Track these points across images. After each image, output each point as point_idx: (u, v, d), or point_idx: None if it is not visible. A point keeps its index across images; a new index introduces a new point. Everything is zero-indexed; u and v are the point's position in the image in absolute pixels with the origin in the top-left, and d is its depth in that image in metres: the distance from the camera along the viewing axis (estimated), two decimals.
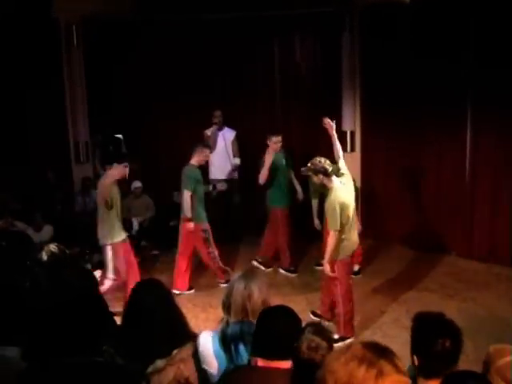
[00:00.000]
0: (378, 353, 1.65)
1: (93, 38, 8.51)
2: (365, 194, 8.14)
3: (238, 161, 8.48)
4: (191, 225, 6.65)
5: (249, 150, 8.36)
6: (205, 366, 2.99)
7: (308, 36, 8.82)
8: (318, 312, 6.01)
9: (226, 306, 3.10)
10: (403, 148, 8.08)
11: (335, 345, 4.16)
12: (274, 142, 6.97)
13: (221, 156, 8.50)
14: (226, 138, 8.51)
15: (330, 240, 5.35)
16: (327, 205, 5.42)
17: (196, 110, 8.62)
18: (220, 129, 8.48)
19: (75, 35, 8.44)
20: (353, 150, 8.46)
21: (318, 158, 5.47)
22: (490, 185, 7.40)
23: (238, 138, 8.50)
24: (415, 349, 2.57)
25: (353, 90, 8.41)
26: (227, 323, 3.04)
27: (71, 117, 8.73)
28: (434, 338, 2.45)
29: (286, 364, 2.56)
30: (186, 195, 6.60)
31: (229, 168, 8.45)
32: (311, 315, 5.93)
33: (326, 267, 5.44)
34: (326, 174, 5.35)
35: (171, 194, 8.84)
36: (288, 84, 8.92)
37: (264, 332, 2.60)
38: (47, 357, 2.48)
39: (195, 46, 8.66)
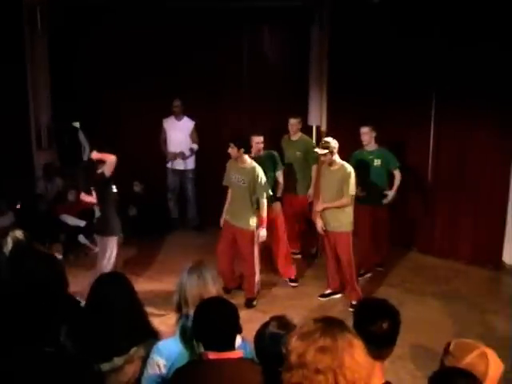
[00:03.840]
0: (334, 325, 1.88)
1: (57, 21, 8.29)
2: None
3: (195, 146, 8.45)
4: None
5: (212, 141, 8.32)
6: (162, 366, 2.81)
7: (277, 29, 8.75)
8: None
9: (183, 301, 2.99)
10: None
11: None
12: (256, 142, 6.58)
13: (180, 146, 8.43)
14: (185, 127, 8.43)
15: (345, 201, 6.01)
16: (346, 174, 6.02)
17: (159, 97, 8.48)
18: (179, 118, 8.40)
19: (39, 18, 8.21)
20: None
21: (331, 139, 6.07)
22: (451, 182, 7.54)
23: (197, 128, 8.45)
24: (356, 331, 2.56)
25: (320, 85, 8.39)
26: (187, 317, 2.91)
27: (33, 102, 8.51)
28: (372, 319, 2.46)
29: (238, 353, 2.57)
30: None
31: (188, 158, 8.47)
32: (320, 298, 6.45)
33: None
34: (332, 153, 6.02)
35: (132, 183, 8.73)
36: (256, 77, 8.78)
37: (202, 326, 2.59)
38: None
39: (162, 34, 8.50)
